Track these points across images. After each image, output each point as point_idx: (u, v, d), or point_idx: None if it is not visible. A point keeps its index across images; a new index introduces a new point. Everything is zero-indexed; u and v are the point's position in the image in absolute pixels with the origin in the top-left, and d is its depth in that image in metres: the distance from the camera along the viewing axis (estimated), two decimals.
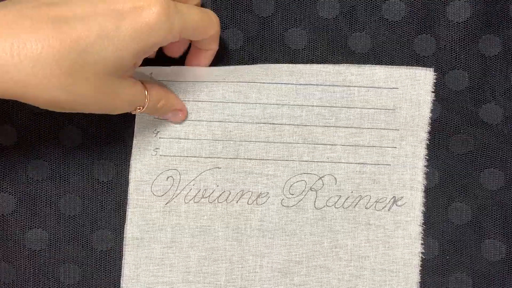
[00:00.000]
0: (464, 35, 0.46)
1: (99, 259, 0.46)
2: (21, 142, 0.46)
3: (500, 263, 0.46)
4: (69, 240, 0.46)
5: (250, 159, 0.46)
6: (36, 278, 0.45)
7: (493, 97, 0.46)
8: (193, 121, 0.46)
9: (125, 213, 0.46)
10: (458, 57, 0.46)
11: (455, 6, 0.46)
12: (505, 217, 0.46)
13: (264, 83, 0.46)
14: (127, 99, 0.39)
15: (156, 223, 0.45)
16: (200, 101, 0.45)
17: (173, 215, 0.45)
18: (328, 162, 0.46)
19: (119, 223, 0.46)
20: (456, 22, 0.46)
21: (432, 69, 0.46)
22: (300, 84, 0.46)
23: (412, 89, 0.46)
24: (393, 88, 0.46)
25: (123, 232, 0.46)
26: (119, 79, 0.38)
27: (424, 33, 0.46)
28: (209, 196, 0.45)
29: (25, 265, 0.45)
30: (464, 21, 0.46)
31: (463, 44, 0.46)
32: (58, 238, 0.46)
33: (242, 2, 0.46)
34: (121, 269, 0.46)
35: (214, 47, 0.44)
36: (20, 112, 0.46)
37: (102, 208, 0.46)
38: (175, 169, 0.45)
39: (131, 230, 0.45)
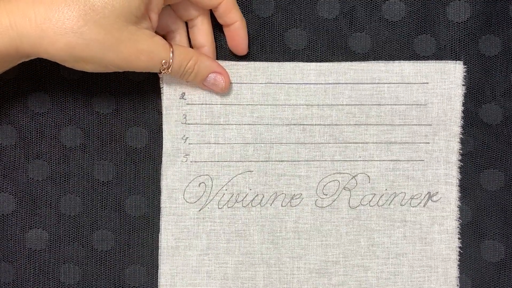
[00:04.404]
0: (464, 35, 0.46)
1: (99, 259, 0.46)
2: (21, 142, 0.46)
3: (500, 264, 0.46)
4: (69, 240, 0.46)
5: (281, 161, 0.45)
6: (36, 278, 0.45)
7: (493, 97, 0.46)
8: (222, 125, 0.45)
9: (125, 213, 0.46)
10: (458, 57, 0.46)
11: (455, 6, 0.46)
12: (505, 218, 0.46)
13: (292, 84, 0.46)
14: (147, 50, 0.40)
15: (190, 231, 0.45)
16: (228, 104, 0.45)
17: (207, 221, 0.45)
18: (360, 160, 0.45)
19: (119, 223, 0.46)
20: (456, 22, 0.46)
21: (461, 62, 0.46)
22: (329, 84, 0.45)
23: (442, 83, 0.46)
24: (424, 83, 0.45)
25: (123, 232, 0.46)
26: (135, 27, 0.40)
27: (424, 33, 0.46)
28: (242, 200, 0.45)
29: (25, 265, 0.45)
30: (464, 21, 0.46)
31: (463, 44, 0.46)
32: (58, 238, 0.46)
33: (242, 2, 0.46)
34: (121, 269, 0.46)
35: (235, 17, 0.44)
36: (20, 112, 0.46)
37: (102, 208, 0.46)
38: (206, 175, 0.45)
39: (165, 239, 0.45)
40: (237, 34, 0.44)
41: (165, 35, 0.45)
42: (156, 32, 0.45)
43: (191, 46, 0.45)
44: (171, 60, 0.41)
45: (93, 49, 0.38)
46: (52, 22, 0.37)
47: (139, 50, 0.40)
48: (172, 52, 0.41)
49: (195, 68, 0.43)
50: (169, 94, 0.45)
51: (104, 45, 0.38)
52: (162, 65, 0.41)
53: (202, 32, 0.44)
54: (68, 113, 0.46)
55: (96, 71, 0.40)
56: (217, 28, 0.46)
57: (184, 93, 0.45)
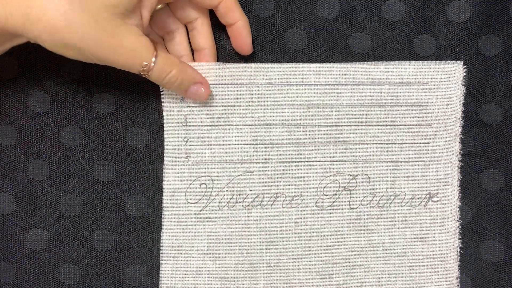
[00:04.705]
0: (464, 35, 0.46)
1: (99, 259, 0.46)
2: (21, 142, 0.46)
3: (500, 264, 0.46)
4: (69, 240, 0.46)
5: (282, 162, 0.45)
6: (36, 278, 0.45)
7: (493, 97, 0.46)
8: (223, 126, 0.45)
9: (125, 213, 0.46)
10: (458, 57, 0.46)
11: (455, 6, 0.46)
12: (505, 218, 0.46)
13: (292, 84, 0.45)
14: (130, 47, 0.39)
15: (191, 231, 0.45)
16: (228, 105, 0.45)
17: (208, 221, 0.45)
18: (360, 161, 0.46)
19: (119, 223, 0.46)
20: (456, 22, 0.46)
21: (461, 62, 0.46)
22: (329, 84, 0.45)
23: (442, 84, 0.46)
24: (424, 83, 0.46)
25: (123, 233, 0.46)
26: (122, 21, 0.39)
27: (424, 33, 0.46)
28: (243, 201, 0.45)
29: (25, 265, 0.45)
30: (464, 21, 0.46)
31: (463, 44, 0.46)
32: (58, 238, 0.46)
33: (242, 2, 0.46)
34: (121, 269, 0.46)
35: (237, 17, 0.44)
36: (20, 112, 0.46)
37: (102, 208, 0.46)
38: (207, 176, 0.45)
39: (167, 239, 0.45)
40: (240, 33, 0.44)
41: (164, 36, 0.45)
42: (156, 33, 0.45)
43: (191, 48, 0.45)
44: (152, 64, 0.40)
45: (75, 33, 0.38)
46: (37, 1, 0.37)
47: (121, 45, 0.39)
48: (156, 57, 0.40)
49: (179, 78, 0.42)
50: (169, 97, 0.45)
51: (87, 31, 0.38)
52: (143, 67, 0.40)
53: (202, 34, 0.44)
54: (68, 113, 0.46)
55: (76, 58, 0.39)
56: (217, 30, 0.46)
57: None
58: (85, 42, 0.38)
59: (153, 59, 0.40)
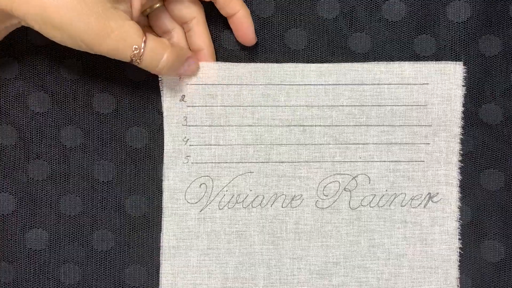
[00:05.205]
0: (464, 35, 0.46)
1: (99, 259, 0.46)
2: (21, 142, 0.46)
3: (500, 264, 0.46)
4: (69, 240, 0.46)
5: (282, 162, 0.45)
6: (36, 278, 0.46)
7: (493, 97, 0.46)
8: (223, 126, 0.45)
9: (125, 213, 0.46)
10: (458, 57, 0.46)
11: (455, 6, 0.46)
12: (505, 218, 0.46)
13: (292, 84, 0.45)
14: (118, 29, 0.39)
15: (191, 231, 0.45)
16: (228, 105, 0.45)
17: (208, 222, 0.45)
18: (361, 161, 0.45)
19: (119, 223, 0.46)
20: (456, 22, 0.46)
21: (461, 63, 0.46)
22: (329, 84, 0.45)
23: (442, 84, 0.46)
24: (424, 83, 0.45)
25: (123, 232, 0.46)
26: (111, 5, 0.39)
27: (424, 33, 0.46)
28: (243, 201, 0.45)
29: (25, 265, 0.46)
30: (464, 21, 0.46)
31: (463, 44, 0.46)
32: (58, 238, 0.46)
33: None
34: (121, 269, 0.46)
35: (237, 7, 0.43)
36: (20, 112, 0.46)
37: (102, 208, 0.46)
38: (207, 176, 0.45)
39: (167, 239, 0.45)
40: (241, 23, 0.44)
41: (162, 36, 0.45)
42: (155, 32, 0.45)
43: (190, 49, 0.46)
44: (142, 49, 0.40)
45: (64, 13, 0.37)
46: None
47: (110, 28, 0.38)
48: (145, 42, 0.40)
49: (170, 61, 0.42)
50: (169, 97, 0.45)
51: (75, 13, 0.37)
52: (133, 51, 0.40)
53: (198, 34, 0.44)
54: (68, 113, 0.46)
55: (65, 43, 0.39)
56: (217, 30, 0.46)
57: (184, 95, 0.45)
58: (74, 24, 0.38)
59: (143, 45, 0.40)
